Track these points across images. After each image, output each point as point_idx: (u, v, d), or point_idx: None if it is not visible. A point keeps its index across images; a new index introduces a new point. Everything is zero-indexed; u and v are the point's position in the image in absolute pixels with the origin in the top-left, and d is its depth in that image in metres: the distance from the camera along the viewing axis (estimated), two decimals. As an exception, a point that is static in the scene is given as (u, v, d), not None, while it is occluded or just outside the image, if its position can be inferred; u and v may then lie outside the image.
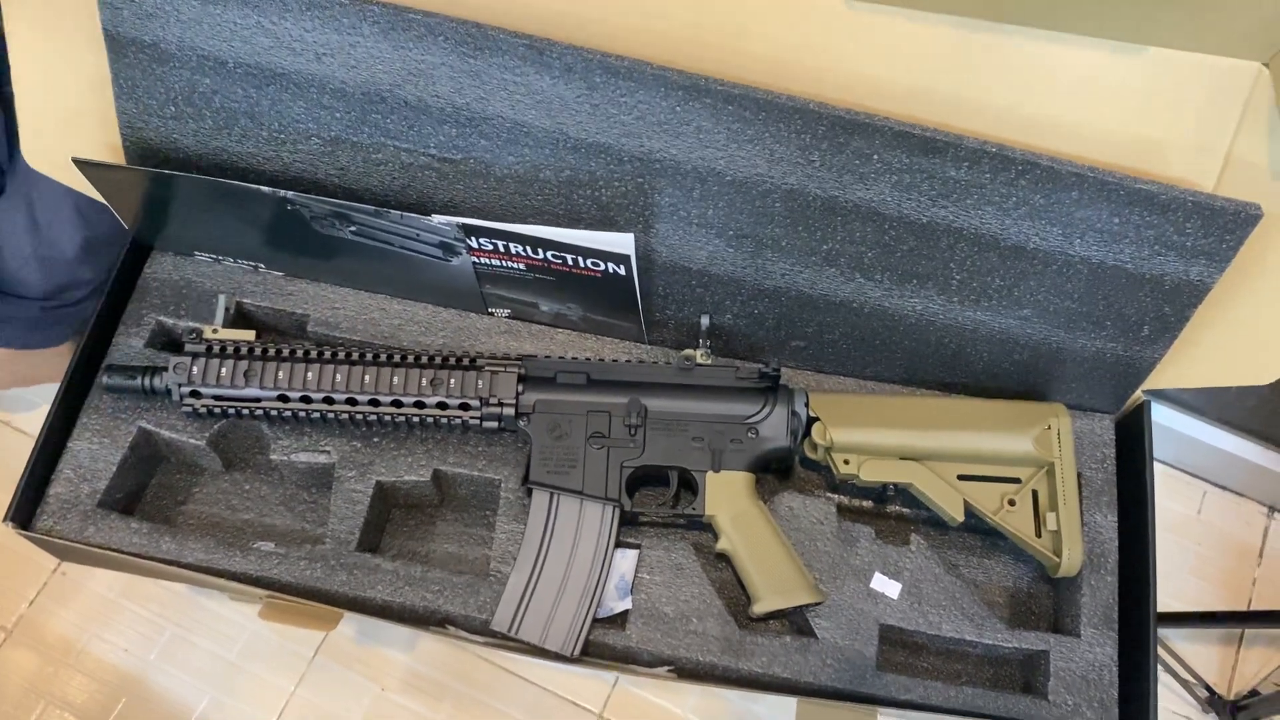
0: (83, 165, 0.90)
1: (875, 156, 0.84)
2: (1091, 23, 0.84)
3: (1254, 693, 1.30)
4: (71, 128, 0.96)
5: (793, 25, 0.88)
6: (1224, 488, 1.53)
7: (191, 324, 0.97)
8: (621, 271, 0.88)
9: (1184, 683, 1.35)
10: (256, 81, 0.89)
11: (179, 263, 1.03)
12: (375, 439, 0.95)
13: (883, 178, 0.85)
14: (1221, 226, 0.82)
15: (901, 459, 0.94)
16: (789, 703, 0.86)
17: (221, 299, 0.94)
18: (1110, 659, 0.89)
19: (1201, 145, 0.88)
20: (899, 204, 0.86)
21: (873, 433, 0.93)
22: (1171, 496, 1.50)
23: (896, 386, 1.01)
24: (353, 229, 0.91)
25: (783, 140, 0.85)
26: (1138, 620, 0.89)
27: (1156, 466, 0.97)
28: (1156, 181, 0.82)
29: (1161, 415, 1.45)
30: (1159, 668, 1.32)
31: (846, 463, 0.93)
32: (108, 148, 0.96)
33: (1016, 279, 0.89)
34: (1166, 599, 1.32)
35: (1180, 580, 1.35)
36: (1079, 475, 0.96)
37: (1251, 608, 1.42)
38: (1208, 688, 1.34)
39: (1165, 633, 1.34)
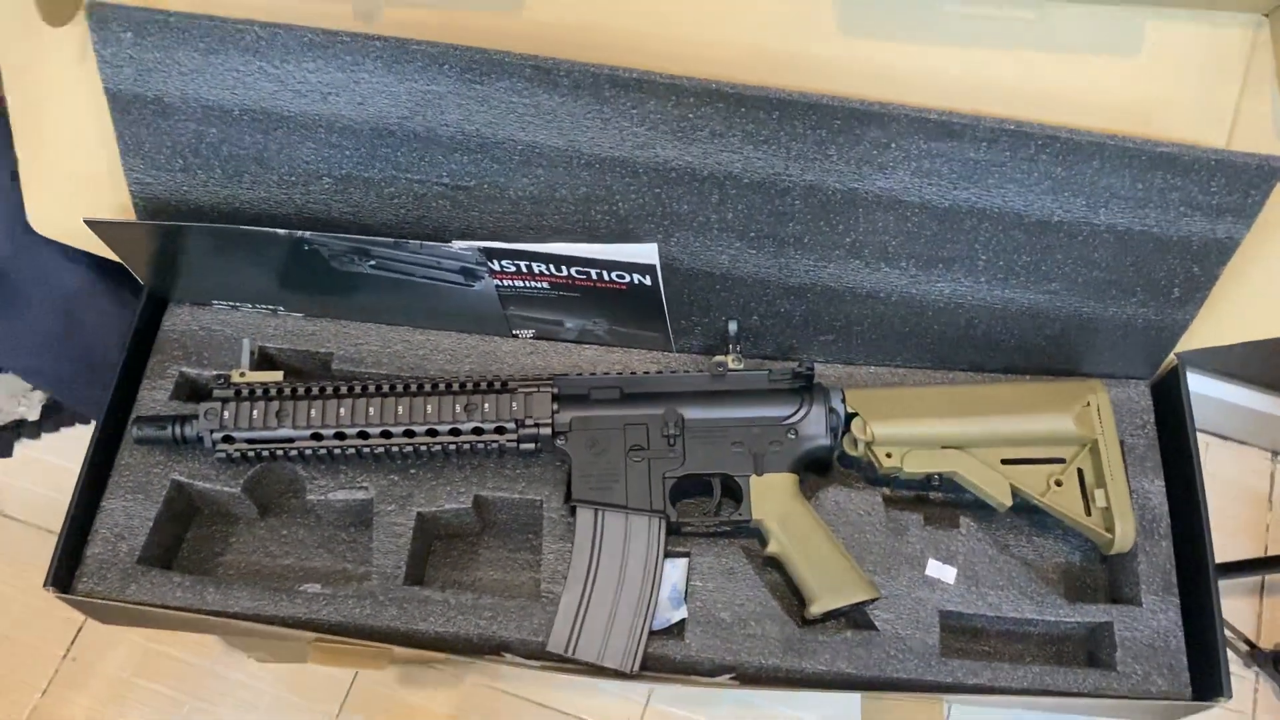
0: (94, 225, 0.90)
1: (893, 145, 0.84)
2: (1095, -10, 0.84)
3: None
4: (79, 191, 0.95)
5: (788, 38, 0.89)
6: (1226, 438, 1.55)
7: (217, 371, 0.96)
8: (647, 282, 0.88)
9: (1226, 641, 1.35)
10: (263, 126, 0.89)
11: (196, 313, 1.02)
12: (412, 470, 0.94)
13: (902, 165, 0.85)
14: (1246, 182, 0.82)
15: (944, 448, 0.93)
16: (823, 704, 0.85)
17: (246, 342, 0.94)
18: (1175, 624, 0.88)
19: (1209, 104, 0.88)
20: (920, 190, 0.86)
21: (913, 424, 0.93)
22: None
23: (929, 373, 1.01)
24: (372, 263, 0.90)
25: (799, 137, 0.84)
26: (1198, 581, 0.89)
27: None
28: (1178, 144, 0.82)
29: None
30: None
31: (889, 456, 0.92)
32: (118, 208, 0.95)
33: (1043, 254, 0.89)
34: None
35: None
36: (1121, 444, 0.95)
37: (1269, 553, 1.43)
38: (1247, 641, 1.33)
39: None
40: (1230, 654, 1.35)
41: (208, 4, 0.85)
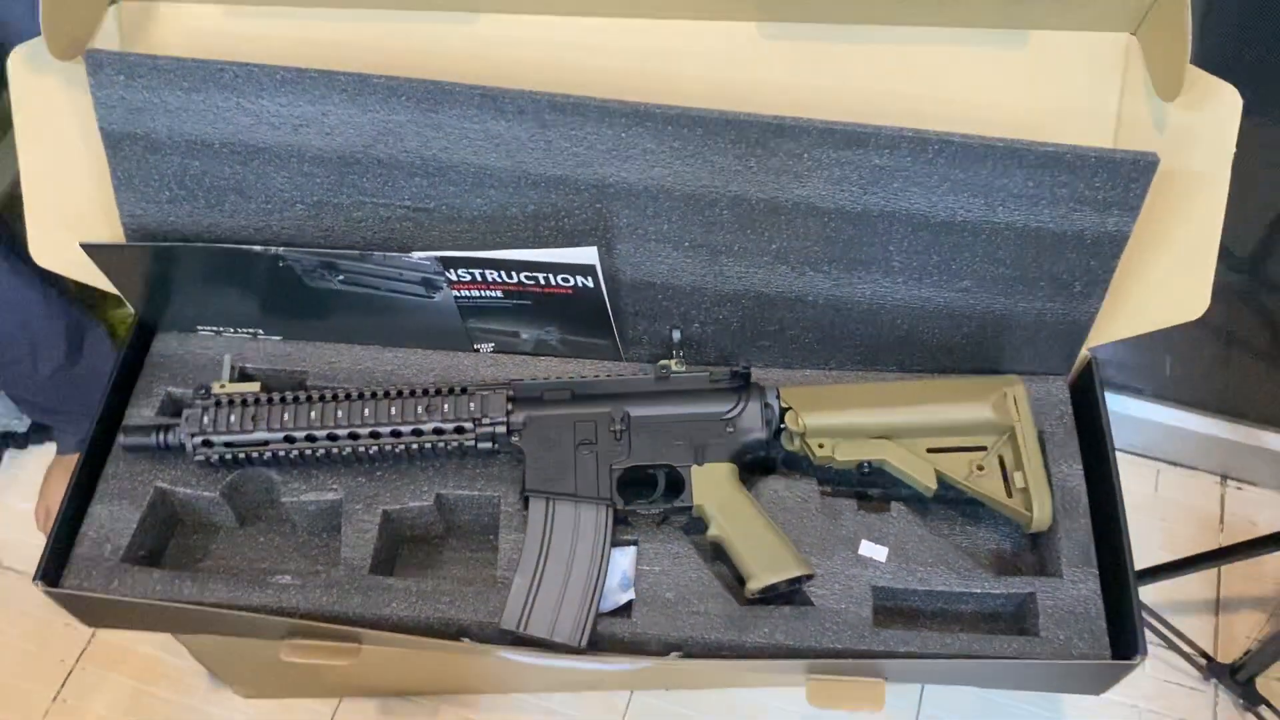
0: (90, 249, 0.99)
1: (805, 155, 0.93)
2: (973, 15, 0.94)
3: (1246, 653, 1.33)
4: (77, 225, 1.04)
5: (715, 56, 0.99)
6: (1176, 464, 1.61)
7: (200, 384, 1.04)
8: (590, 284, 0.96)
9: (1185, 655, 1.39)
10: (241, 158, 0.98)
11: (183, 339, 1.10)
12: (378, 472, 1.01)
13: (815, 174, 0.94)
14: (1126, 176, 0.90)
15: (872, 438, 1.00)
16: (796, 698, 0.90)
17: (227, 357, 1.02)
18: (1094, 593, 0.93)
19: (1093, 113, 0.98)
20: (833, 196, 0.95)
21: (842, 415, 1.00)
22: (1129, 479, 1.56)
23: (862, 374, 1.08)
24: (341, 278, 0.99)
25: (720, 151, 0.94)
26: (1115, 554, 0.94)
27: None
28: (1061, 144, 0.91)
29: (1108, 402, 1.53)
30: (1155, 636, 1.37)
31: (821, 446, 0.99)
32: (111, 240, 1.04)
33: (951, 253, 0.97)
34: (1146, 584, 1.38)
35: (1153, 556, 1.43)
36: (1041, 434, 1.02)
37: (1221, 573, 1.48)
38: (1205, 655, 1.37)
39: (1152, 603, 1.38)
40: (1188, 667, 1.39)
41: (201, 42, 0.96)
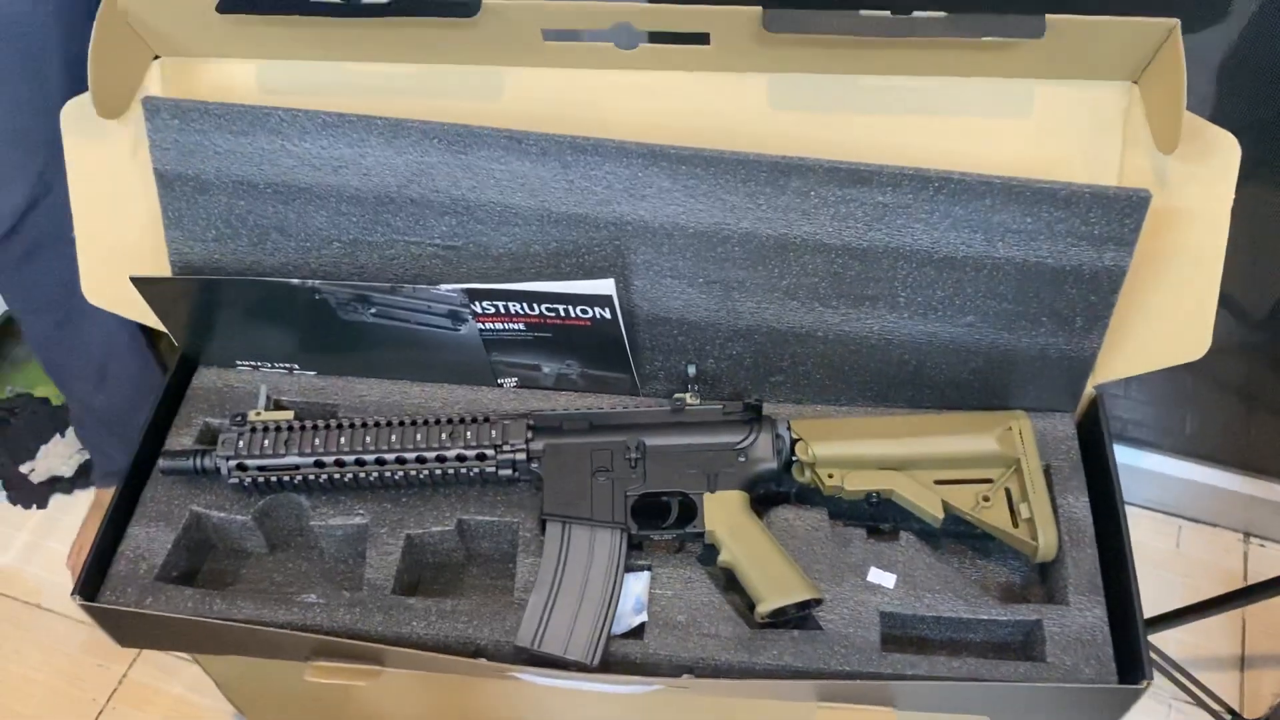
0: (139, 282, 1.05)
1: (812, 193, 0.98)
2: (977, 66, 0.99)
3: (1272, 708, 1.32)
4: (127, 263, 1.11)
5: (726, 106, 1.05)
6: (1197, 520, 1.61)
7: (236, 412, 1.09)
8: (607, 315, 1.01)
9: (1210, 710, 1.37)
10: (284, 198, 1.05)
11: (222, 373, 1.16)
12: (403, 498, 1.05)
13: (821, 211, 0.99)
14: (1120, 211, 0.94)
15: (881, 469, 1.02)
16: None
17: (263, 387, 1.07)
18: (1100, 620, 0.94)
19: (1095, 160, 1.02)
20: (840, 233, 0.99)
21: (852, 445, 1.02)
22: (1149, 535, 1.58)
23: (871, 409, 1.11)
24: (373, 310, 1.04)
25: (731, 190, 0.99)
26: (1120, 583, 0.95)
27: (1130, 509, 1.05)
28: (1057, 181, 0.95)
29: (1127, 456, 1.54)
30: (1180, 691, 1.36)
31: (831, 476, 1.02)
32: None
33: (955, 288, 1.01)
34: (1164, 631, 1.37)
35: (1175, 612, 1.41)
36: (1047, 467, 1.04)
37: (1245, 628, 1.47)
38: (1231, 711, 1.35)
39: (1176, 657, 1.37)
40: (1215, 723, 1.38)
41: (237, 95, 1.04)
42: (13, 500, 1.74)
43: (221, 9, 0.99)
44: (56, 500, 1.73)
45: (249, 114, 1.01)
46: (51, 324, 1.37)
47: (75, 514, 1.69)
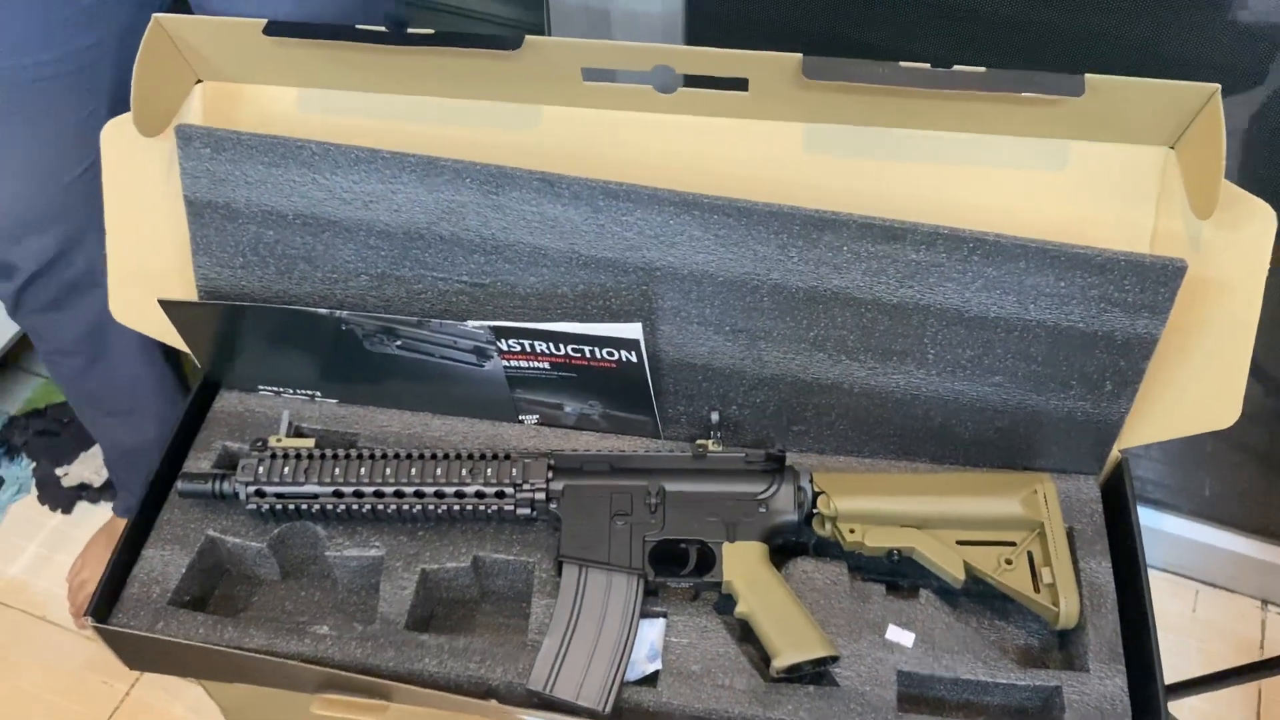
0: (167, 305, 1.05)
1: (845, 248, 0.97)
2: (1014, 124, 0.99)
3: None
4: (154, 285, 1.11)
5: (759, 155, 1.05)
6: (1215, 585, 1.59)
7: (256, 437, 1.09)
8: (633, 359, 1.00)
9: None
10: (313, 230, 1.05)
11: (243, 398, 1.16)
12: (420, 533, 1.04)
13: (853, 266, 0.98)
14: (1155, 280, 0.94)
15: (903, 526, 1.01)
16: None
17: (285, 413, 1.07)
18: (1121, 689, 0.93)
19: (1128, 224, 1.01)
20: (871, 288, 0.99)
21: (874, 501, 1.02)
22: (1166, 598, 1.56)
23: (894, 463, 1.10)
24: (399, 343, 1.04)
25: (763, 241, 0.98)
26: (1142, 651, 0.94)
27: (1149, 571, 1.03)
28: (1092, 247, 0.94)
29: (1145, 517, 1.52)
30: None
31: (852, 531, 1.01)
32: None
33: (984, 348, 1.00)
34: (1181, 699, 1.35)
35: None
36: (1070, 530, 1.03)
37: (1261, 699, 1.45)
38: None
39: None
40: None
41: (276, 120, 1.04)
42: (41, 500, 1.79)
43: (269, 33, 0.99)
44: (78, 509, 1.75)
45: (282, 146, 1.01)
46: (80, 365, 1.38)
47: (89, 529, 1.69)
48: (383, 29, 0.98)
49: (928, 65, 0.95)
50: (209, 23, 1.02)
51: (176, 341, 1.12)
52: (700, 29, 1.34)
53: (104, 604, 0.99)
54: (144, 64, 1.00)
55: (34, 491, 1.81)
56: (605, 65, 1.02)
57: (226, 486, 1.03)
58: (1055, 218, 1.02)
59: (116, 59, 1.15)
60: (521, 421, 1.13)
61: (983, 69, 0.95)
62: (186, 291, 1.11)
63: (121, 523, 1.61)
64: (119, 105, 1.09)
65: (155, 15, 1.01)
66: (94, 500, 1.78)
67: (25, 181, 1.19)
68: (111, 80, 1.16)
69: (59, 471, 1.80)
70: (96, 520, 1.73)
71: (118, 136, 1.07)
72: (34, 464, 1.83)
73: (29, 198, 1.19)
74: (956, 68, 0.95)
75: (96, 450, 1.79)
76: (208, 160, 1.03)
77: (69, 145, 1.17)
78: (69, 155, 1.18)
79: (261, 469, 1.01)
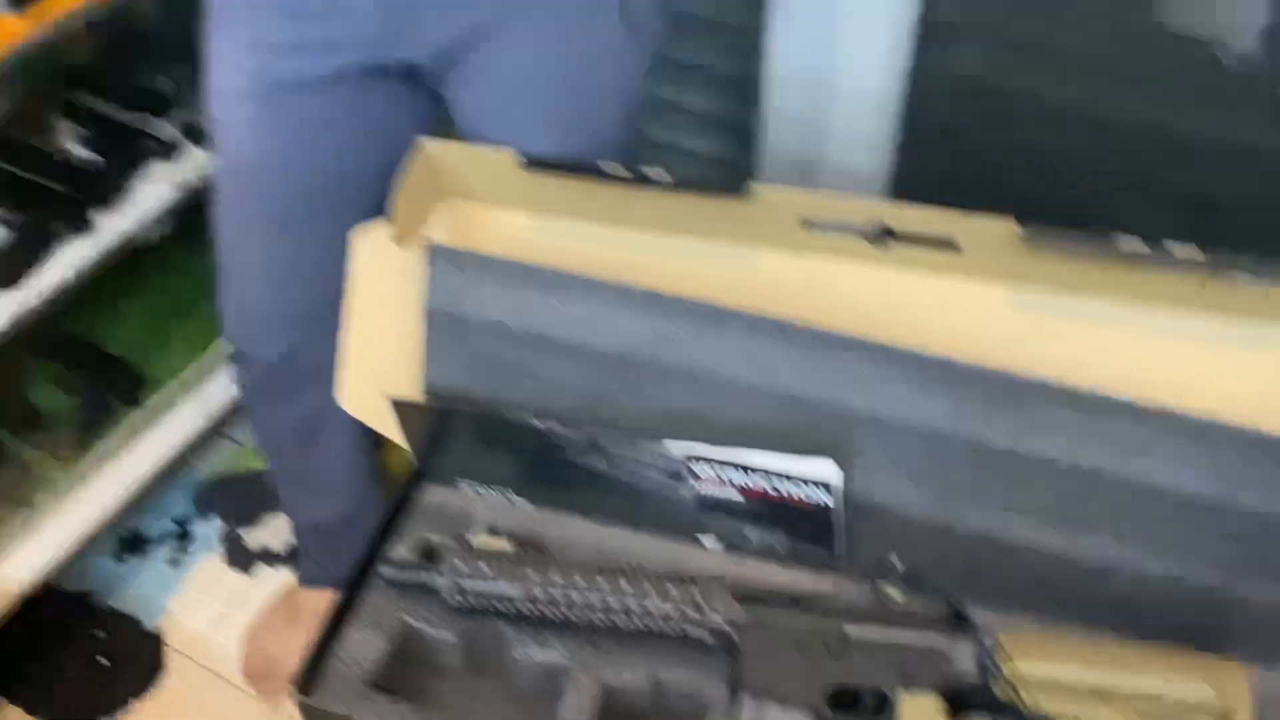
0: (397, 404, 1.14)
1: (1050, 414, 0.99)
2: (1232, 304, 1.00)
3: None
4: (383, 381, 1.21)
5: (965, 314, 1.08)
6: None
7: (458, 533, 1.15)
8: (825, 499, 1.03)
9: None
10: (536, 346, 1.13)
11: (446, 491, 1.23)
12: (600, 643, 1.08)
13: (1056, 432, 0.99)
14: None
15: (1086, 697, 0.99)
16: None
17: (484, 514, 1.14)
18: None
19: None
20: (1072, 457, 1.00)
21: (1059, 667, 1.00)
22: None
23: (1078, 631, 1.09)
24: (602, 458, 1.10)
25: (965, 398, 1.01)
26: None
27: None
28: (1314, 440, 0.93)
29: None
30: None
31: (1033, 697, 0.99)
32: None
33: (1189, 531, 0.99)
34: None
35: None
36: (1264, 726, 0.99)
37: None
38: None
39: None
40: None
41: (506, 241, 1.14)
42: (223, 558, 1.92)
43: (527, 168, 1.09)
44: (258, 572, 1.87)
45: (522, 270, 1.10)
46: (294, 456, 1.50)
47: (265, 592, 1.80)
48: (628, 172, 1.07)
49: (1143, 243, 0.98)
50: (469, 150, 1.13)
51: (394, 434, 1.21)
52: (907, 182, 1.40)
53: (309, 679, 1.06)
54: (407, 183, 1.12)
55: (219, 550, 1.94)
56: (823, 216, 1.08)
57: (427, 577, 1.09)
58: (1266, 404, 1.01)
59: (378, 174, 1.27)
60: (704, 544, 1.17)
61: (1198, 252, 0.96)
62: (411, 390, 1.20)
63: (303, 592, 1.70)
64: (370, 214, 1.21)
65: (419, 139, 1.13)
66: (272, 564, 1.90)
67: (283, 289, 1.32)
68: (374, 195, 1.28)
69: (242, 531, 1.94)
70: (272, 583, 1.84)
71: (368, 242, 1.18)
72: (224, 526, 1.96)
73: (283, 303, 1.32)
74: (1174, 247, 0.97)
75: (281, 517, 1.91)
76: (450, 276, 1.13)
77: (325, 254, 1.30)
78: (325, 264, 1.31)
79: (465, 566, 1.07)
